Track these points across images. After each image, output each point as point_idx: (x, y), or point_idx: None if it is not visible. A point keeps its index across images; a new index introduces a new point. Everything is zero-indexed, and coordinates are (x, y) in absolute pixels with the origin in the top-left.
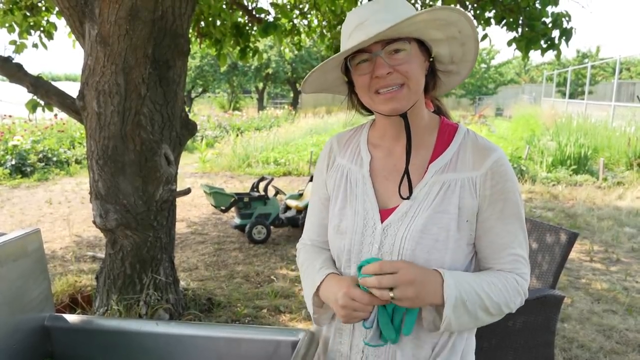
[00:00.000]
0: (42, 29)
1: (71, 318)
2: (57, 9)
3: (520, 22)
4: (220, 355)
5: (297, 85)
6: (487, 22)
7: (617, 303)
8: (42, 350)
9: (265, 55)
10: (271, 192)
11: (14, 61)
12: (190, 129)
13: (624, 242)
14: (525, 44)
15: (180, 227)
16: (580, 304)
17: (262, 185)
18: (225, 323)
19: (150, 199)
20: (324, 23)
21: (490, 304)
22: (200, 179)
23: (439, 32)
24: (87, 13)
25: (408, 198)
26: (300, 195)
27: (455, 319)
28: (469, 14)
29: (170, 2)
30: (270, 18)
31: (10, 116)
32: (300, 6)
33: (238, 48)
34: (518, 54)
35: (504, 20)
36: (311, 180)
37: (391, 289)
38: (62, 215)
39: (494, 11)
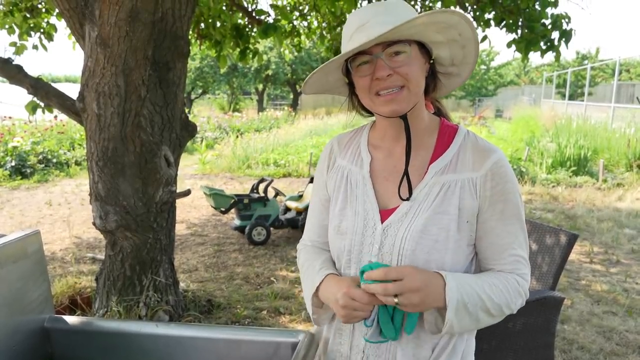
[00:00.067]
0: (42, 30)
1: (71, 319)
2: (57, 10)
3: (519, 23)
4: (220, 356)
5: (297, 86)
6: (487, 24)
7: (617, 304)
8: (41, 352)
9: (265, 57)
10: (271, 193)
11: (14, 63)
12: (190, 130)
13: (623, 243)
14: (525, 45)
15: (180, 229)
16: (580, 306)
17: (262, 186)
18: (225, 324)
19: (150, 201)
20: (323, 24)
21: (492, 305)
22: (200, 181)
23: (440, 34)
24: (87, 15)
25: (408, 199)
26: (300, 197)
27: (457, 322)
28: (469, 16)
29: (170, 3)
30: (270, 19)
31: (10, 117)
32: (300, 8)
33: (238, 49)
34: (518, 55)
35: (504, 22)
36: (311, 181)
37: (395, 295)
38: (62, 216)
39: (493, 13)
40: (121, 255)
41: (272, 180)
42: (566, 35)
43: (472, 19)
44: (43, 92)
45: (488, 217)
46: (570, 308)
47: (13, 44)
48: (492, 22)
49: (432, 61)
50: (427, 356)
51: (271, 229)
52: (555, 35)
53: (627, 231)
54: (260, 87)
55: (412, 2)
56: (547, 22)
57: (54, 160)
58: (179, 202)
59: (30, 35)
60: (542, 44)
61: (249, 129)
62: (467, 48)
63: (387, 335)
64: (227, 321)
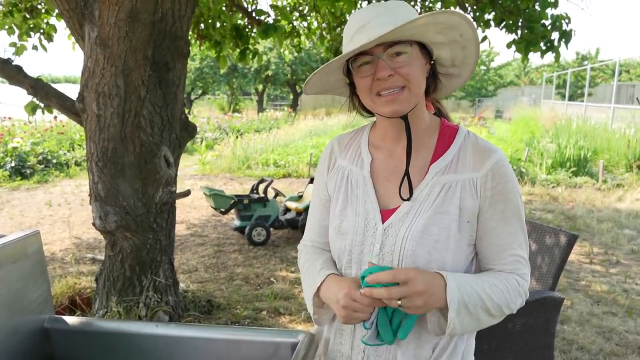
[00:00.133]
0: (41, 31)
1: (71, 320)
2: (56, 11)
3: (519, 24)
4: (219, 357)
5: (297, 87)
6: (487, 24)
7: (617, 305)
8: (41, 352)
9: (264, 57)
10: (271, 194)
11: (13, 63)
12: (189, 131)
13: (623, 244)
14: (525, 46)
15: (179, 229)
16: (580, 306)
17: (261, 187)
18: (225, 325)
19: (150, 201)
20: (323, 25)
21: (492, 305)
22: (200, 181)
23: (441, 35)
24: (87, 15)
25: (408, 199)
26: (299, 197)
27: (459, 323)
28: (469, 17)
29: (170, 4)
30: (270, 20)
31: (9, 118)
32: (300, 8)
33: (238, 50)
34: (517, 56)
35: (504, 23)
36: (311, 182)
37: (399, 298)
38: (62, 217)
39: (493, 13)
40: (121, 256)
41: (272, 181)
42: (566, 36)
43: (472, 20)
44: (43, 92)
45: (488, 217)
46: (570, 308)
47: (13, 44)
48: (492, 22)
49: (432, 62)
50: (428, 356)
51: (271, 229)
52: (555, 35)
53: (627, 232)
54: (260, 87)
55: (412, 3)
56: (547, 22)
57: (54, 161)
58: (179, 203)
59: (30, 36)
60: (542, 44)
61: (248, 129)
62: (468, 49)
63: (384, 338)
64: (227, 321)
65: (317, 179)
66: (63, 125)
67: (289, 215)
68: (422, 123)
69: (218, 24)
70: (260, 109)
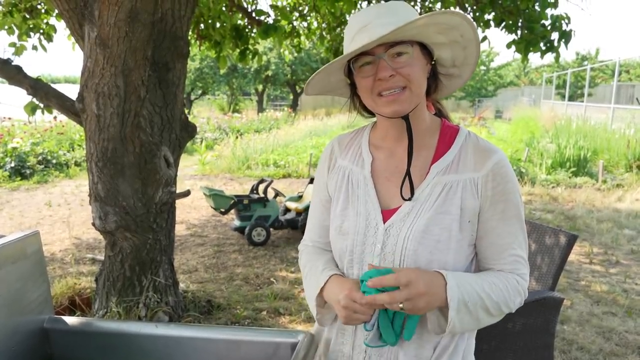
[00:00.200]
0: (41, 31)
1: (70, 320)
2: (56, 11)
3: (519, 24)
4: (219, 357)
5: (297, 87)
6: (487, 25)
7: (617, 305)
8: (41, 353)
9: (264, 58)
10: (271, 194)
11: (13, 63)
12: (189, 131)
13: (623, 244)
14: (525, 46)
15: (179, 229)
16: (580, 306)
17: (261, 187)
18: (225, 325)
19: (150, 201)
20: (323, 25)
21: (491, 304)
22: (200, 181)
23: (442, 35)
24: (87, 15)
25: (410, 199)
26: (299, 198)
27: (459, 322)
28: (470, 17)
29: (169, 4)
30: (270, 20)
31: (9, 118)
32: (300, 8)
33: (237, 50)
34: (517, 56)
35: (504, 23)
36: (311, 182)
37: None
38: (62, 217)
39: (493, 13)
40: (121, 256)
41: (271, 181)
42: (566, 36)
43: (472, 20)
44: (42, 92)
45: (489, 217)
46: (569, 308)
47: (12, 44)
48: (491, 22)
49: (433, 62)
50: (429, 356)
51: (271, 229)
52: (554, 36)
53: (627, 232)
54: (260, 87)
55: (412, 3)
56: (547, 22)
57: (54, 161)
58: (179, 203)
59: (29, 36)
60: (541, 44)
61: (248, 129)
62: (469, 49)
63: (386, 340)
64: (227, 322)
65: (317, 179)
66: (63, 126)
67: (288, 216)
68: (423, 123)
69: (218, 24)
70: (260, 109)
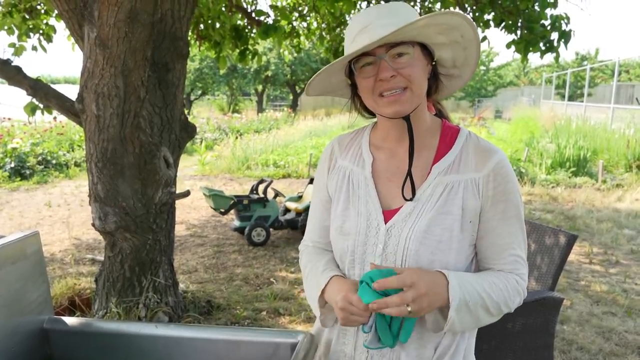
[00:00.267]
0: (41, 31)
1: (70, 321)
2: (56, 11)
3: (519, 24)
4: (219, 357)
5: (297, 87)
6: (486, 25)
7: (617, 305)
8: (41, 353)
9: (264, 58)
10: (270, 194)
11: (13, 64)
12: (189, 131)
13: (623, 244)
14: (524, 46)
15: (179, 230)
16: (580, 306)
17: (261, 187)
18: (225, 325)
19: (150, 202)
20: (323, 25)
21: (491, 303)
22: (200, 182)
23: (442, 36)
24: (86, 16)
25: (411, 199)
26: (299, 198)
27: (459, 320)
28: (470, 18)
29: (169, 4)
30: (270, 20)
31: (9, 119)
32: (300, 9)
33: (237, 50)
34: (517, 56)
35: (503, 23)
36: (311, 182)
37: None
38: (61, 218)
39: (493, 13)
40: (120, 257)
41: (271, 181)
42: (565, 36)
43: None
44: (42, 93)
45: (490, 217)
46: (569, 308)
47: (12, 45)
48: (491, 22)
49: (434, 63)
50: (431, 356)
51: (271, 229)
52: (554, 36)
53: (627, 232)
54: (260, 88)
55: (412, 3)
56: (547, 22)
57: (54, 162)
58: (179, 203)
59: (29, 37)
60: (541, 44)
61: (248, 130)
62: (469, 50)
63: (384, 342)
64: (227, 322)
65: (317, 180)
66: (62, 126)
67: (288, 216)
68: (424, 124)
69: (218, 25)
70: (260, 109)
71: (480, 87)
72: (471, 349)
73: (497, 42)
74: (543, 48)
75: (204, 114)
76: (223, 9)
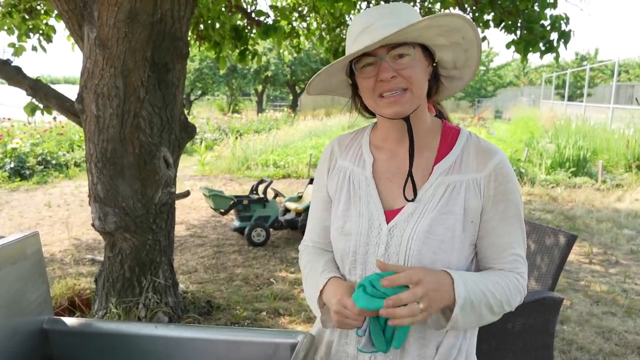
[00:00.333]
0: (41, 31)
1: (70, 321)
2: (56, 12)
3: (519, 24)
4: (219, 357)
5: (296, 87)
6: (486, 25)
7: (616, 305)
8: (40, 353)
9: (264, 58)
10: (270, 194)
11: (12, 64)
12: (189, 131)
13: (622, 244)
14: (524, 46)
15: (179, 230)
16: (580, 306)
17: (261, 187)
18: (225, 326)
19: (149, 202)
20: (323, 26)
21: (494, 302)
22: (200, 182)
23: (443, 37)
24: (86, 16)
25: (413, 200)
26: (299, 198)
27: (462, 318)
28: (471, 20)
29: (169, 5)
30: (270, 21)
31: (9, 119)
32: (300, 9)
33: (237, 51)
34: (517, 56)
35: (503, 23)
36: (310, 182)
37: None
38: (61, 218)
39: (492, 14)
40: (120, 257)
41: (271, 182)
42: (565, 36)
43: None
44: (42, 93)
45: (490, 217)
46: (569, 309)
47: (12, 45)
48: (491, 23)
49: (435, 64)
50: (432, 355)
51: (270, 230)
52: (554, 36)
53: (626, 232)
54: (260, 88)
55: (412, 3)
56: (546, 23)
57: (53, 162)
58: (179, 204)
59: (29, 37)
60: (541, 45)
61: (248, 130)
62: (470, 51)
63: (378, 347)
64: (227, 322)
65: (317, 180)
66: (62, 126)
67: (288, 216)
68: (424, 125)
69: (217, 25)
70: (260, 109)
71: (480, 87)
72: (472, 349)
73: (497, 42)
74: (543, 48)
75: (203, 114)
76: (223, 9)
